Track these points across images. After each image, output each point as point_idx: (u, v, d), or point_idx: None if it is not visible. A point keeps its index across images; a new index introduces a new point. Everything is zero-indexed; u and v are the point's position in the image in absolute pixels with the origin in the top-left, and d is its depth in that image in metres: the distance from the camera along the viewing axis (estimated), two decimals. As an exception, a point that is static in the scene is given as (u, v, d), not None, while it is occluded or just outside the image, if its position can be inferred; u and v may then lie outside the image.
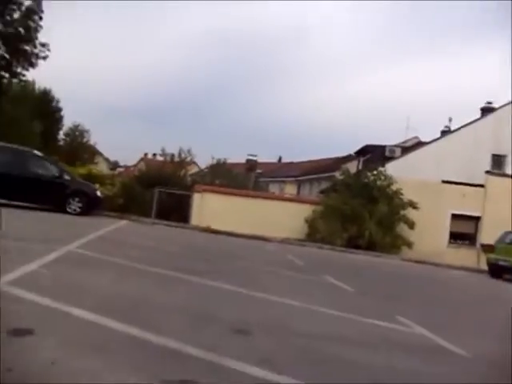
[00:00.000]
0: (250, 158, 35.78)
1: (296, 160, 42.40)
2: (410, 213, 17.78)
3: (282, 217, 18.27)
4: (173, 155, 28.35)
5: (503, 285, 12.93)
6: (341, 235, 17.88)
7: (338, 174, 21.33)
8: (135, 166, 51.51)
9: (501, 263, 14.12)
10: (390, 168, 19.02)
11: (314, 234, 18.17)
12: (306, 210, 18.85)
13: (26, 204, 13.35)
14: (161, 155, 29.41)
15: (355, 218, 17.58)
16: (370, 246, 17.31)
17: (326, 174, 28.75)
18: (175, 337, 3.48)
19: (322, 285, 7.75)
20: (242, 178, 28.41)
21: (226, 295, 5.58)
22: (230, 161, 31.20)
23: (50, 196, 13.78)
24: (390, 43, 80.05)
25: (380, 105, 74.66)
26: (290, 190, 35.21)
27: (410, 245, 17.57)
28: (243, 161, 36.31)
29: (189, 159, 28.45)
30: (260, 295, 5.73)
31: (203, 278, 6.21)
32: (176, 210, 18.92)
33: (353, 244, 17.31)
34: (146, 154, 52.87)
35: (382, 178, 18.47)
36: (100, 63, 75.35)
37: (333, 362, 3.53)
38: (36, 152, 15.02)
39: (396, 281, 10.80)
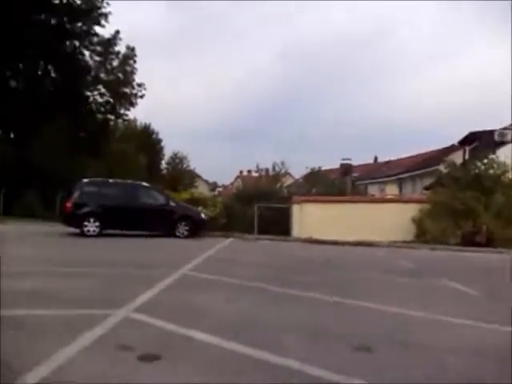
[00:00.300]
0: (344, 162, 35.07)
1: (393, 158, 40.62)
2: (534, 201, 15.91)
3: (386, 219, 17.47)
4: (267, 169, 28.83)
5: None
6: (454, 233, 16.56)
7: (442, 168, 19.93)
8: (232, 184, 53.35)
9: None
10: (502, 154, 17.29)
11: (424, 234, 17.05)
12: (411, 210, 17.81)
13: (138, 232, 14.45)
14: (256, 171, 30.10)
15: (468, 212, 16.18)
16: (489, 242, 15.77)
17: (429, 169, 27.04)
18: (296, 357, 3.42)
19: (441, 290, 7.18)
20: (339, 184, 27.85)
21: (340, 309, 5.40)
22: (324, 168, 30.88)
23: (159, 223, 14.75)
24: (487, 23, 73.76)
25: (478, 88, 68.87)
26: (391, 190, 33.70)
27: (537, 237, 15.69)
28: (337, 166, 35.77)
29: (283, 171, 28.70)
30: (377, 307, 5.45)
31: (315, 292, 6.09)
32: (276, 224, 19.07)
33: (468, 241, 15.91)
34: (241, 172, 54.51)
35: (495, 166, 16.83)
36: (187, 90, 80.00)
37: (471, 381, 3.19)
38: (144, 183, 16.26)
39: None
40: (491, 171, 16.80)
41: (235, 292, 6.02)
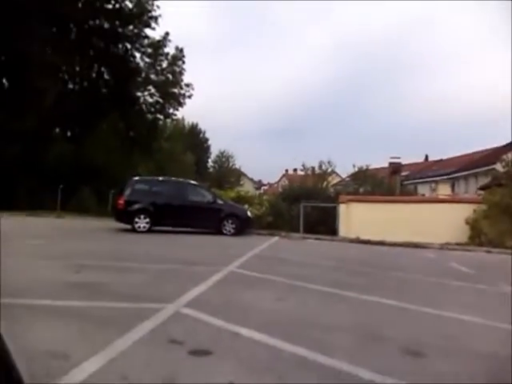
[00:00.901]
0: (394, 160, 34.15)
1: (445, 156, 39.07)
2: None
3: (437, 220, 16.84)
4: (313, 168, 28.54)
5: None
6: (511, 235, 15.72)
7: (499, 167, 18.93)
8: (278, 182, 53.35)
9: None
10: None
11: (478, 236, 16.29)
12: (465, 211, 17.06)
13: (186, 229, 14.74)
14: (301, 170, 29.88)
15: (528, 214, 15.29)
16: (553, 246, 14.82)
17: (484, 168, 25.80)
18: (345, 358, 3.35)
19: (499, 295, 6.81)
20: (387, 183, 27.12)
21: (390, 311, 5.25)
22: (372, 166, 30.15)
23: (207, 220, 14.98)
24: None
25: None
26: (443, 189, 32.41)
27: None
28: (386, 165, 34.84)
29: (330, 170, 28.30)
30: (429, 310, 5.25)
31: (364, 294, 5.96)
32: (322, 223, 18.86)
33: (529, 245, 15.03)
34: (287, 170, 54.36)
35: (558, 164, 15.80)
36: (234, 89, 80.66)
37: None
38: (192, 181, 16.57)
39: None
40: (554, 170, 15.79)
41: (283, 291, 6.00)
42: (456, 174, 32.35)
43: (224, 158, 42.89)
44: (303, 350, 3.49)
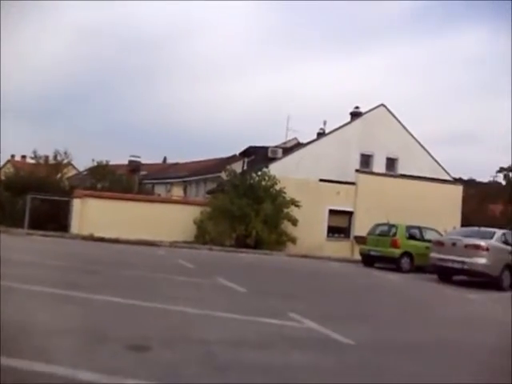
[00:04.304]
0: (133, 159, 34.56)
1: (182, 161, 42.00)
2: (293, 210, 18.81)
3: (169, 220, 18.00)
4: (47, 157, 26.09)
5: (375, 272, 14.38)
6: (229, 235, 18.24)
7: (224, 175, 21.66)
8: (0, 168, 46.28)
9: (372, 253, 15.69)
10: (273, 168, 19.89)
11: (203, 235, 18.24)
12: (193, 212, 18.82)
13: None
14: (32, 157, 26.83)
15: (243, 217, 18.05)
16: (258, 245, 17.94)
17: (213, 175, 29.00)
18: (64, 363, 3.23)
19: (215, 288, 7.83)
20: (126, 181, 27.25)
21: (118, 309, 5.33)
22: (112, 163, 29.70)
23: None
24: (274, 46, 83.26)
25: (262, 107, 77.53)
26: (177, 191, 34.78)
27: (294, 240, 18.60)
28: (126, 162, 34.93)
29: (66, 161, 26.41)
30: (155, 305, 5.59)
31: (91, 293, 5.85)
32: (53, 218, 17.45)
33: (241, 243, 17.76)
34: (13, 156, 47.74)
35: (266, 178, 19.23)
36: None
37: (234, 368, 3.61)
38: None
39: (284, 277, 11.34)
40: (263, 182, 19.15)
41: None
42: (189, 178, 35.22)
43: None
44: (18, 361, 3.19)
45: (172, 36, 79.88)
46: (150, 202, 20.54)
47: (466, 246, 11.86)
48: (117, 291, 6.23)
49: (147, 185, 35.63)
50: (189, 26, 79.24)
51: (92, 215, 17.02)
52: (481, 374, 4.22)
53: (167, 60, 78.96)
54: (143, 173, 36.18)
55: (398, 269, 14.72)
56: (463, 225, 19.48)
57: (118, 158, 46.28)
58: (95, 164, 27.60)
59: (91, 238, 15.25)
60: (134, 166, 33.07)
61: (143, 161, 34.88)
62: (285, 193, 18.89)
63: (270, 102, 75.43)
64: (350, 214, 21.13)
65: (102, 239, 15.02)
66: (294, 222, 18.68)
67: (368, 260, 15.95)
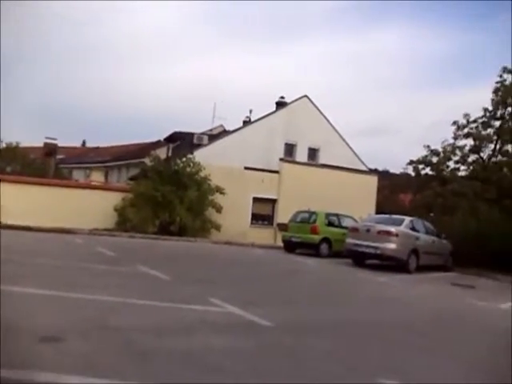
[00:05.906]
0: (49, 141, 32.35)
1: (102, 145, 40.19)
2: (218, 198, 18.87)
3: (88, 206, 17.22)
4: None
5: (296, 258, 14.93)
6: (153, 222, 17.88)
7: (147, 161, 21.11)
8: None
9: (293, 240, 16.26)
10: (198, 155, 19.74)
11: (125, 222, 17.71)
12: (115, 198, 18.18)
13: None
14: None
15: (166, 204, 17.78)
16: (182, 232, 17.80)
17: (136, 160, 28.09)
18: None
19: (136, 276, 7.68)
20: (40, 165, 25.54)
21: (30, 301, 5.07)
22: (23, 145, 27.65)
23: None
24: (203, 33, 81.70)
25: (189, 93, 76.20)
26: (97, 176, 33.22)
27: (218, 228, 18.70)
28: (41, 145, 32.64)
29: (-31, 142, 24.16)
30: (72, 295, 5.39)
31: (3, 284, 5.48)
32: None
33: (165, 230, 17.51)
34: None
35: (191, 164, 19.05)
36: None
37: (153, 354, 3.61)
38: None
39: (208, 263, 11.41)
40: (188, 169, 18.96)
41: None
42: (110, 163, 33.82)
43: None
44: None
45: (97, 14, 75.42)
46: (68, 187, 19.48)
47: (379, 232, 12.73)
48: (30, 281, 5.90)
49: (64, 169, 33.68)
50: (115, 3, 75.41)
51: (2, 201, 15.76)
52: (390, 351, 4.61)
53: (91, 40, 74.56)
54: (60, 156, 34.08)
55: (317, 254, 15.41)
56: (377, 212, 20.80)
57: (32, 140, 43.14)
58: (3, 145, 25.57)
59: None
60: (50, 149, 31.00)
61: (60, 144, 32.83)
62: (210, 180, 18.86)
63: (197, 88, 74.54)
64: (273, 201, 21.66)
65: (11, 227, 13.98)
66: (219, 209, 18.76)
67: (289, 246, 16.50)
